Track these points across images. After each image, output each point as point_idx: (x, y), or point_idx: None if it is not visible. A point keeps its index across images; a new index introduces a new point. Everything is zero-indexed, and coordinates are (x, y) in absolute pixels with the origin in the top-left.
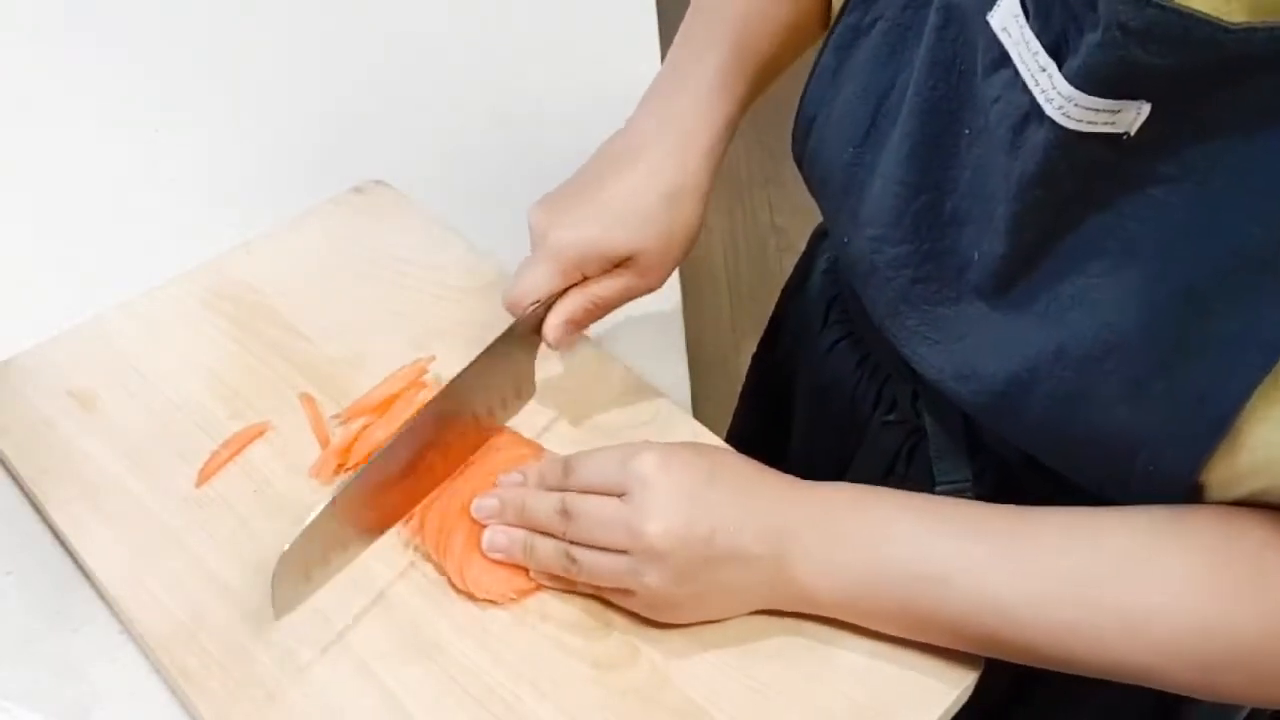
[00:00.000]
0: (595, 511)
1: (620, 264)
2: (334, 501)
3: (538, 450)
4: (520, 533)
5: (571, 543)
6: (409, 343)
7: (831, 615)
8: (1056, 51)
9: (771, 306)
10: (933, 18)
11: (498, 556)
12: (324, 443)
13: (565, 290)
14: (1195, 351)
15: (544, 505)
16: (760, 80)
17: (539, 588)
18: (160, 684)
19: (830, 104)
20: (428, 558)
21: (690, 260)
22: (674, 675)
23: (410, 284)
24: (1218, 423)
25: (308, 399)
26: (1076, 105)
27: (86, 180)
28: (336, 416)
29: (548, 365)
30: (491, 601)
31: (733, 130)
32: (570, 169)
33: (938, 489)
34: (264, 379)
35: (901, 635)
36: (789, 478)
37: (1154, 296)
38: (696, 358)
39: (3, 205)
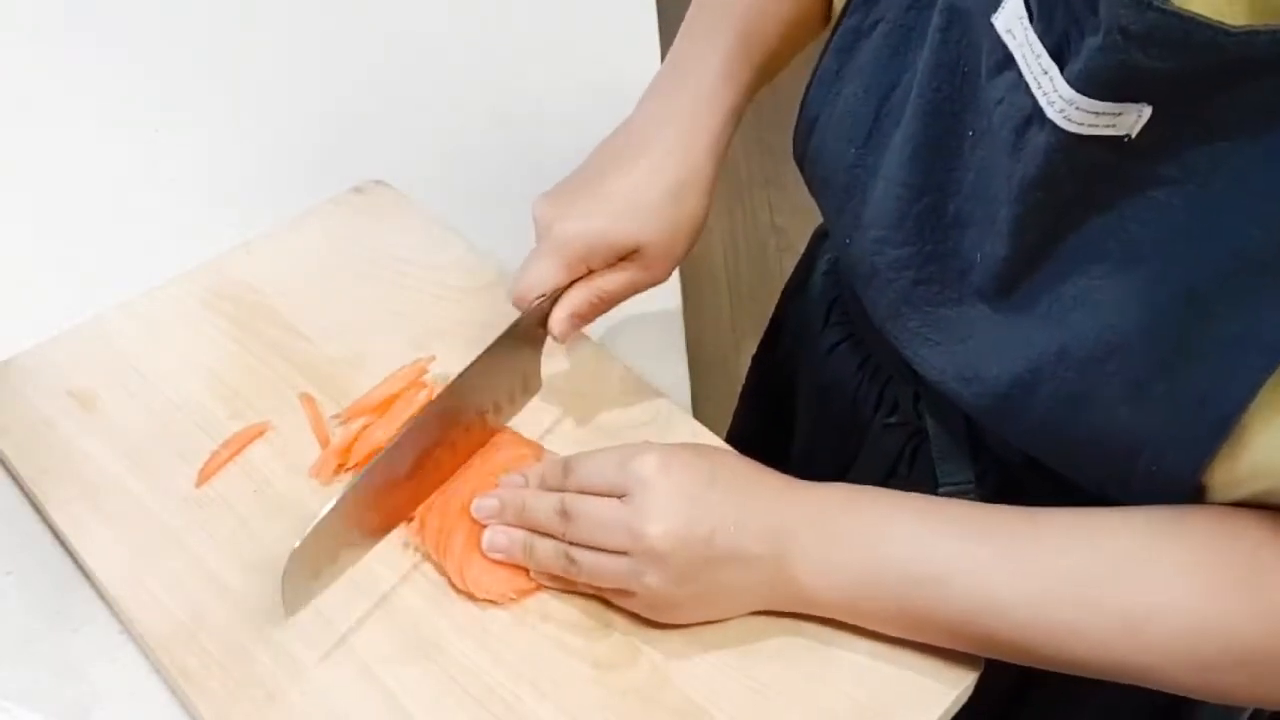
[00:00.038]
0: (595, 513)
1: (625, 257)
2: (344, 498)
3: (538, 450)
4: (520, 533)
5: (571, 543)
6: (409, 343)
7: (831, 615)
8: (1059, 54)
9: (771, 306)
10: (936, 19)
11: (498, 557)
12: (324, 443)
13: (571, 284)
14: (1196, 353)
15: (543, 506)
16: (764, 72)
17: (539, 588)
18: (160, 684)
19: (832, 105)
20: (428, 558)
21: (690, 260)
22: (674, 675)
23: (410, 284)
24: (1219, 425)
25: (308, 399)
26: (1078, 108)
27: (86, 180)
28: (336, 416)
29: (548, 365)
30: (491, 601)
31: (737, 121)
32: (570, 169)
33: (940, 490)
34: (264, 379)
35: (901, 636)
36: (788, 478)
37: (1155, 298)
38: (696, 358)
39: (3, 205)
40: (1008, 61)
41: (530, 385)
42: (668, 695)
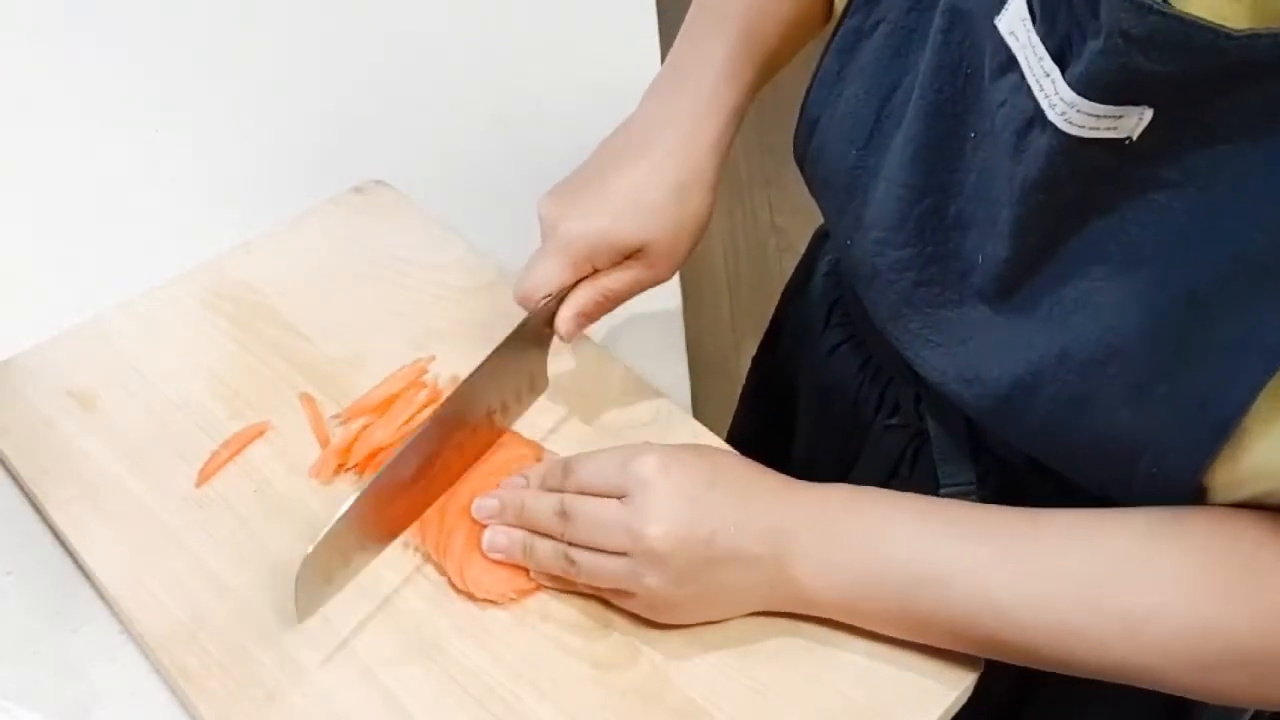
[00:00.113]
0: (594, 513)
1: (630, 256)
2: (356, 503)
3: (538, 450)
4: (520, 533)
5: (570, 544)
6: (409, 343)
7: (831, 616)
8: (1061, 56)
9: (771, 307)
10: (938, 20)
11: (498, 557)
12: (324, 443)
13: (576, 283)
14: (1197, 356)
15: (543, 506)
16: (765, 71)
17: (539, 588)
18: (160, 684)
19: (833, 106)
20: (428, 558)
21: (690, 260)
22: (674, 675)
23: (410, 284)
24: (1220, 427)
25: (308, 399)
26: (1079, 111)
27: (86, 180)
28: (336, 416)
29: (550, 365)
30: (491, 601)
31: (740, 119)
32: (570, 169)
33: (942, 492)
34: (264, 379)
35: (901, 637)
36: (788, 479)
37: (1156, 301)
38: (696, 358)
39: (3, 205)
40: (1010, 64)
41: (537, 385)
42: (667, 695)
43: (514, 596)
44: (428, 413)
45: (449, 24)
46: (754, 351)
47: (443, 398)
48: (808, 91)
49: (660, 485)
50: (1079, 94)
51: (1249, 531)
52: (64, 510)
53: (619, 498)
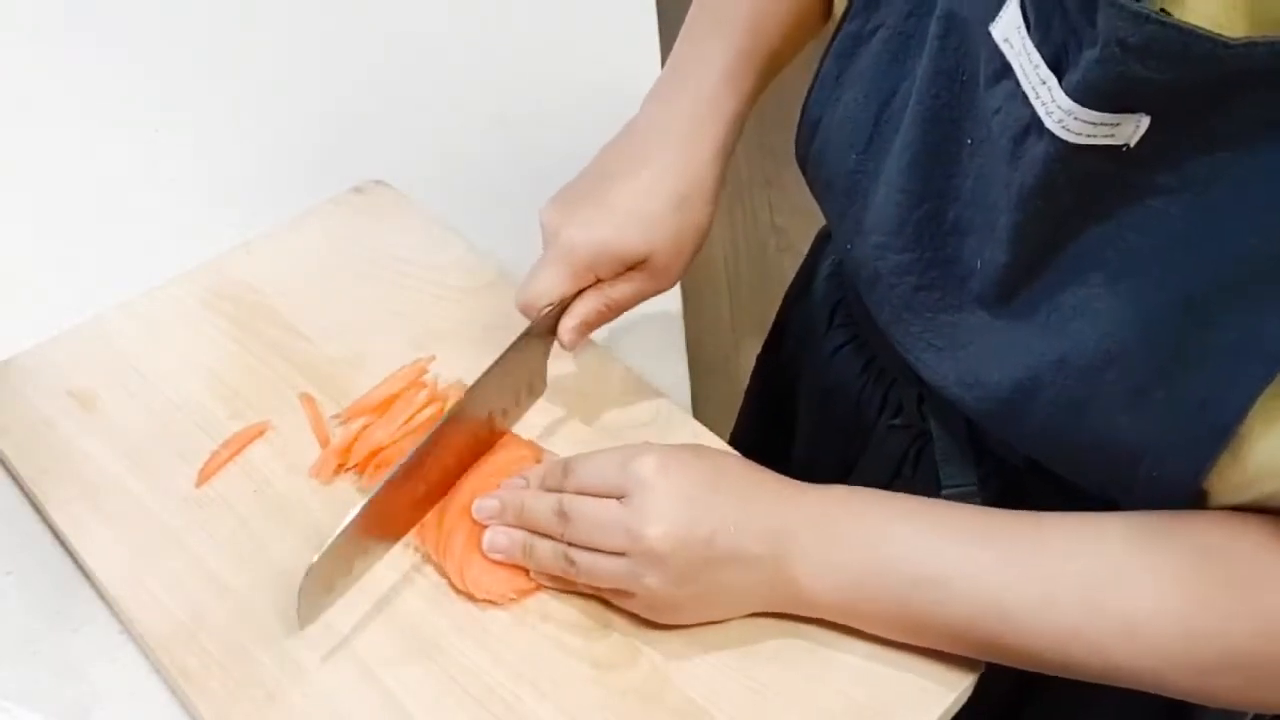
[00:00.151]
0: (593, 514)
1: (632, 266)
2: (360, 513)
3: (537, 451)
4: (520, 534)
5: (570, 544)
6: (409, 343)
7: (830, 618)
8: (1056, 64)
9: (771, 307)
10: (934, 27)
11: (498, 557)
12: (324, 443)
13: (578, 292)
14: (1195, 361)
15: (542, 507)
16: (767, 73)
17: (539, 588)
18: (160, 684)
19: (833, 109)
20: (428, 558)
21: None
22: (674, 675)
23: (410, 284)
24: (1220, 431)
25: (308, 399)
26: (1076, 118)
27: (86, 180)
28: (336, 416)
29: (550, 366)
30: (491, 602)
31: (741, 124)
32: (570, 169)
33: (943, 493)
34: (264, 379)
35: (900, 639)
36: (788, 480)
37: (1153, 307)
38: (697, 358)
39: (3, 205)
40: (1005, 70)
41: (535, 389)
42: (667, 695)
43: (514, 596)
44: (428, 413)
45: (449, 24)
46: (754, 351)
47: (446, 407)
48: (808, 94)
49: (660, 485)
50: (1076, 101)
51: (1249, 535)
52: (64, 510)
53: (619, 498)
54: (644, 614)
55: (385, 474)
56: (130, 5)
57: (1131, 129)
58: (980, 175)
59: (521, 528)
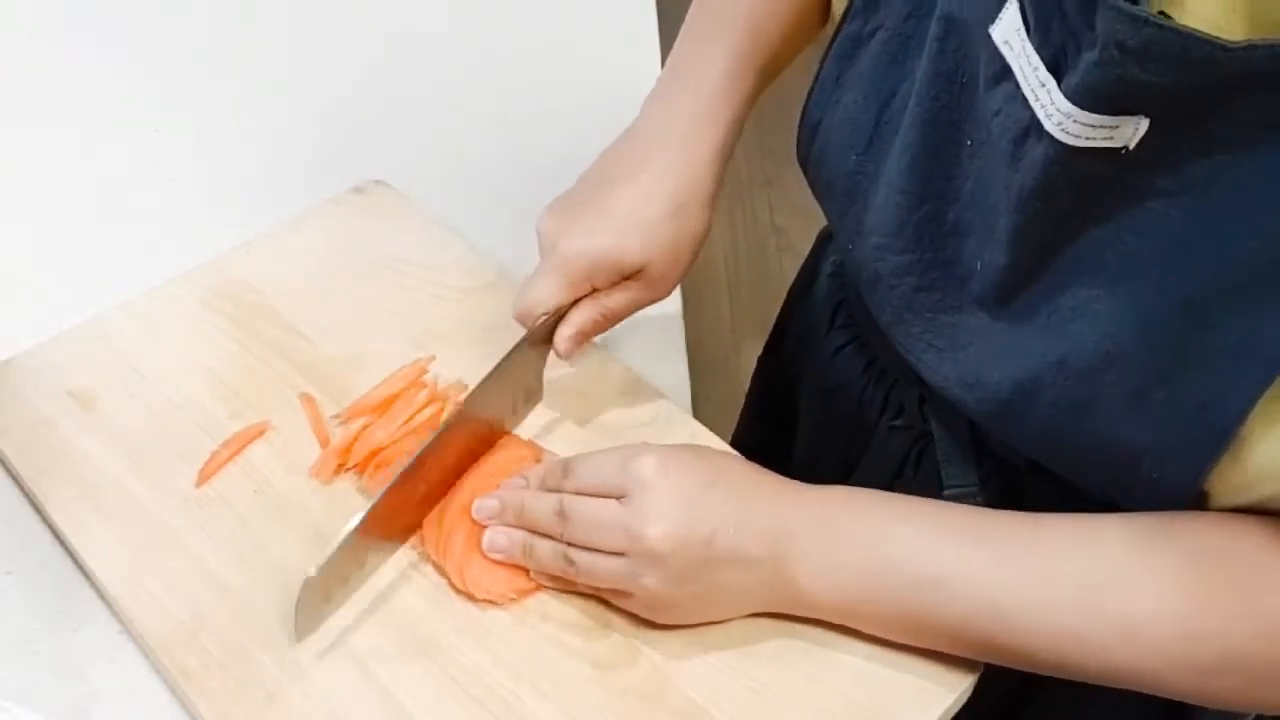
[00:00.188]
0: (593, 514)
1: (630, 275)
2: (357, 528)
3: (537, 451)
4: (520, 534)
5: (569, 544)
6: (409, 343)
7: (830, 618)
8: (1056, 66)
9: (771, 307)
10: (933, 28)
11: (498, 557)
12: (324, 443)
13: (575, 301)
14: (1195, 363)
15: (542, 507)
16: (766, 76)
17: (539, 588)
18: (160, 684)
19: (833, 110)
20: (427, 558)
21: None
22: (674, 675)
23: (410, 284)
24: (1220, 433)
25: (308, 399)
26: (1075, 121)
27: (86, 180)
28: (336, 416)
29: (549, 366)
30: (491, 602)
31: (739, 128)
32: (570, 169)
33: (945, 493)
34: (264, 379)
35: (900, 639)
36: (788, 480)
37: (1153, 309)
38: (696, 358)
39: (3, 205)
40: (1005, 73)
41: (532, 397)
42: (667, 695)
43: (514, 596)
44: (428, 413)
45: (449, 24)
46: (754, 352)
47: (446, 407)
48: (808, 96)
49: (659, 486)
50: (1075, 104)
51: (1250, 537)
52: (64, 510)
53: (618, 498)
54: (643, 614)
55: (382, 486)
56: (130, 5)
57: (1130, 131)
58: (980, 177)
59: (521, 528)
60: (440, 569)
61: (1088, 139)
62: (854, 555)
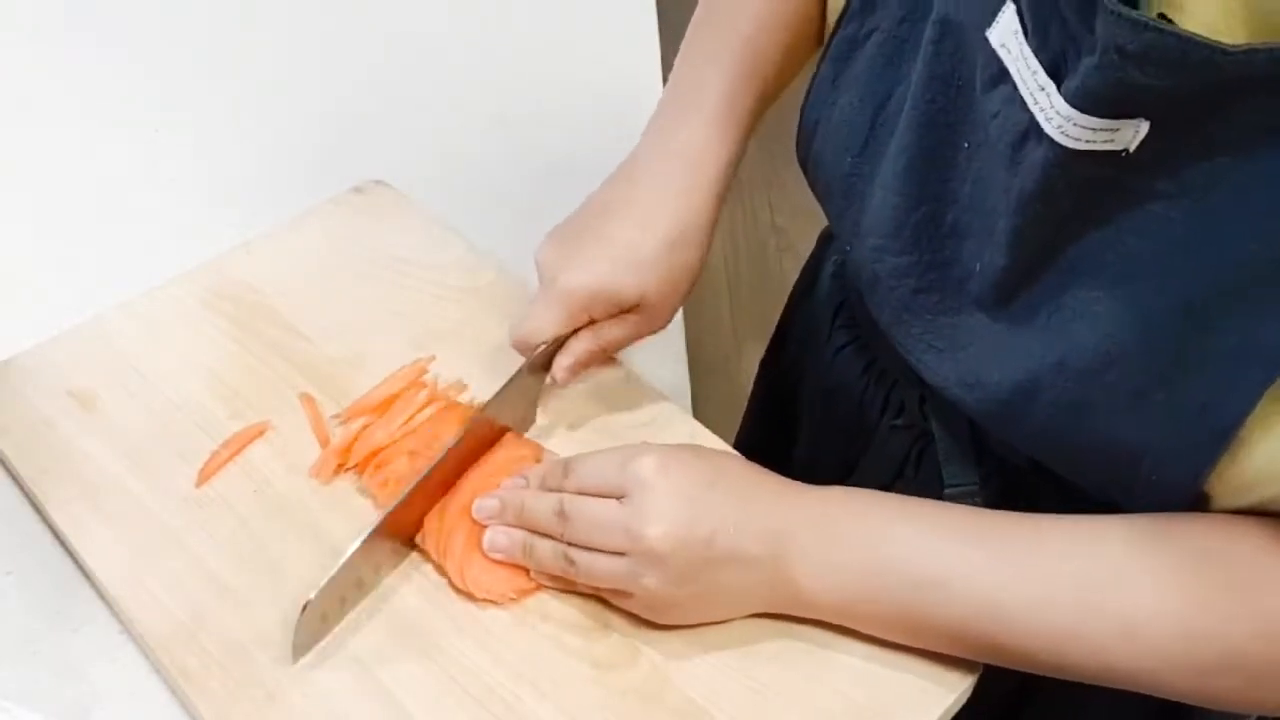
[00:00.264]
0: (592, 513)
1: (627, 309)
2: (356, 551)
3: (537, 450)
4: (520, 533)
5: (569, 544)
6: (409, 343)
7: (830, 619)
8: (1055, 70)
9: (772, 307)
10: (929, 31)
11: (498, 557)
12: (324, 443)
13: (573, 331)
14: (1195, 365)
15: (542, 506)
16: (765, 101)
17: (539, 588)
18: (160, 684)
19: (829, 112)
20: (428, 558)
21: None
22: (674, 675)
23: (410, 284)
24: (1219, 434)
25: (308, 399)
26: (1075, 124)
27: (86, 180)
28: (336, 416)
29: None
30: (491, 601)
31: (738, 159)
32: (570, 169)
33: (945, 493)
34: (264, 379)
35: (899, 640)
36: (788, 480)
37: (1153, 311)
38: (696, 359)
39: (3, 205)
40: (1002, 76)
41: (526, 422)
42: (667, 695)
43: (514, 596)
44: (428, 413)
45: (449, 24)
46: (755, 352)
47: (445, 408)
48: (806, 97)
49: (659, 485)
50: (1075, 107)
51: (1249, 538)
52: (64, 510)
53: (618, 498)
54: (643, 614)
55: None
56: (130, 5)
57: (1131, 134)
58: (978, 179)
59: (521, 527)
60: (440, 568)
61: (1088, 142)
62: (854, 555)
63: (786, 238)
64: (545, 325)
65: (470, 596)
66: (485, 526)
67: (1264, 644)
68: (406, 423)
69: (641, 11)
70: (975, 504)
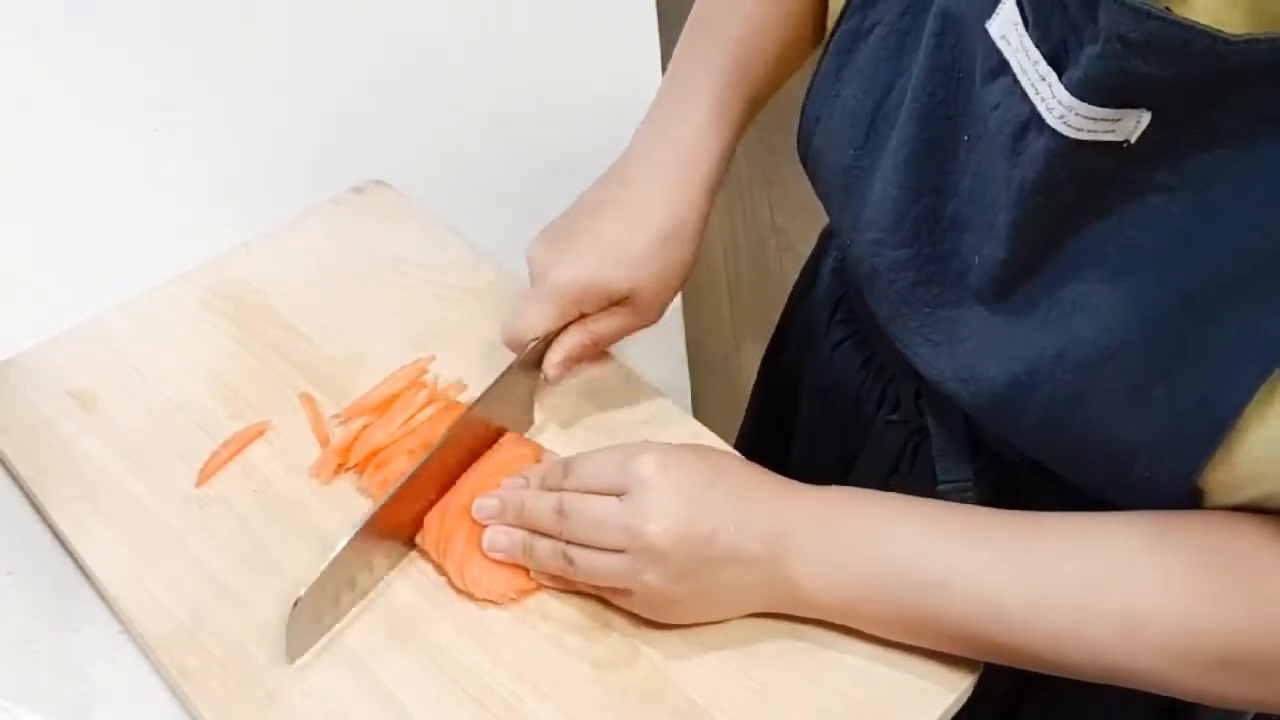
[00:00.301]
0: (592, 511)
1: (618, 302)
2: (345, 547)
3: (537, 450)
4: (520, 533)
5: (569, 542)
6: (409, 343)
7: (829, 619)
8: (1056, 61)
9: (772, 307)
10: (930, 24)
11: (498, 556)
12: (324, 443)
13: (565, 326)
14: (1194, 358)
15: (542, 505)
16: (758, 101)
17: (539, 588)
18: (160, 684)
19: (831, 106)
20: (428, 558)
21: None
22: (674, 675)
23: (410, 284)
24: (1217, 427)
25: (308, 399)
26: (1077, 114)
27: (86, 180)
28: (336, 416)
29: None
30: (491, 601)
31: (730, 156)
32: (570, 169)
33: (939, 488)
34: (264, 379)
35: (900, 639)
36: (788, 480)
37: (1153, 303)
38: (696, 358)
39: (3, 205)
40: (1002, 67)
41: (522, 422)
42: (667, 695)
43: (514, 596)
44: (428, 412)
45: (449, 24)
46: (754, 351)
47: (444, 409)
48: (808, 92)
49: (660, 483)
50: (1077, 97)
51: (1249, 534)
52: (64, 510)
53: (618, 496)
54: (643, 612)
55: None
56: (130, 5)
57: (1133, 124)
58: (978, 172)
59: (522, 527)
60: (440, 568)
61: (1090, 132)
62: (854, 555)
63: (786, 237)
64: (537, 321)
65: (470, 596)
66: (485, 526)
67: (1266, 641)
68: (406, 423)
69: (641, 11)
70: (969, 500)
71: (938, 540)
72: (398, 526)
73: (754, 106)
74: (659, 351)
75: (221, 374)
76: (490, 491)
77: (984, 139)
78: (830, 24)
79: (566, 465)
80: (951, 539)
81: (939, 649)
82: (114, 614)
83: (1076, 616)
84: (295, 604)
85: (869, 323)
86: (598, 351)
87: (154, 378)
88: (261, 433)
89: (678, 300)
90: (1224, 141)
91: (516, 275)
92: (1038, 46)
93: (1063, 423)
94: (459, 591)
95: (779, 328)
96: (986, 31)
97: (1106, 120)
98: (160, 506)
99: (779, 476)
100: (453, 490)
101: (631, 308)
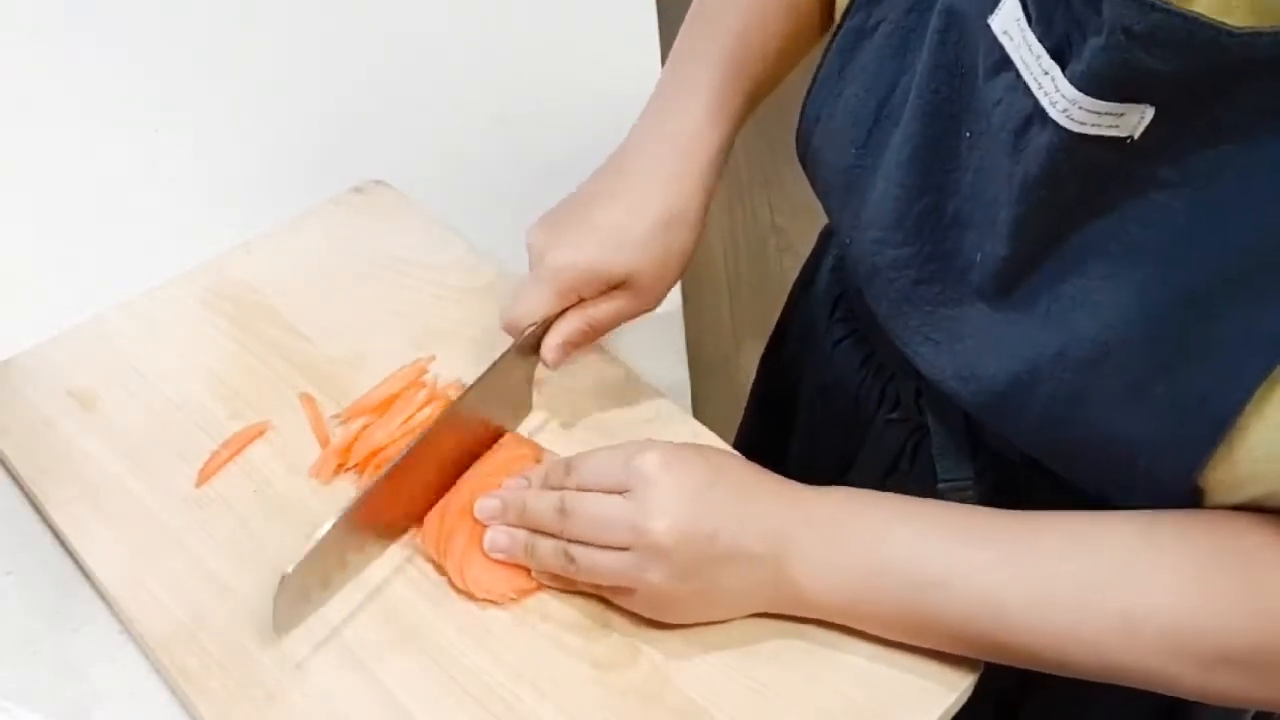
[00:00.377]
0: (594, 509)
1: (616, 286)
2: (335, 526)
3: (537, 450)
4: (522, 533)
5: (570, 541)
6: (409, 343)
7: (830, 619)
8: (1059, 55)
9: (771, 306)
10: (934, 21)
11: (499, 556)
12: (324, 443)
13: (563, 312)
14: (1196, 355)
15: (544, 505)
16: (757, 94)
17: (539, 587)
18: (160, 684)
19: (833, 105)
20: (428, 558)
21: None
22: (674, 675)
23: (410, 284)
24: (1218, 424)
25: (308, 399)
26: (1081, 108)
27: (86, 180)
28: (336, 416)
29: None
30: (491, 601)
31: (729, 148)
32: (570, 169)
33: (939, 487)
34: (264, 379)
35: (900, 639)
36: (788, 481)
37: (1155, 299)
38: (696, 358)
39: (3, 205)
40: (1005, 63)
41: (521, 410)
42: (667, 695)
43: (514, 596)
44: (428, 412)
45: (449, 24)
46: (754, 351)
47: (444, 409)
48: (809, 91)
49: (663, 481)
50: (1081, 90)
51: (1250, 533)
52: (64, 510)
53: (621, 494)
54: (645, 611)
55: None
56: (130, 5)
57: (1136, 120)
58: (980, 169)
59: (523, 527)
60: (440, 568)
61: (1094, 126)
62: (854, 556)
63: (786, 237)
64: (535, 306)
65: (470, 596)
66: (485, 526)
67: (1267, 640)
68: (406, 422)
69: (641, 11)
70: (969, 500)
71: (938, 540)
72: (391, 507)
73: (753, 100)
74: (659, 351)
75: (221, 374)
76: (491, 492)
77: (986, 135)
78: (839, 15)
79: (568, 464)
80: (951, 539)
81: (939, 649)
82: (114, 614)
83: (1077, 616)
84: (282, 579)
85: (868, 321)
86: (596, 336)
87: (154, 378)
88: (261, 433)
89: (678, 300)
90: (1227, 137)
91: (516, 275)
92: (1041, 41)
93: (1063, 421)
94: (459, 591)
95: (778, 326)
96: (988, 27)
97: (1110, 114)
98: (160, 506)
99: (778, 476)
100: (453, 490)
101: (630, 293)
